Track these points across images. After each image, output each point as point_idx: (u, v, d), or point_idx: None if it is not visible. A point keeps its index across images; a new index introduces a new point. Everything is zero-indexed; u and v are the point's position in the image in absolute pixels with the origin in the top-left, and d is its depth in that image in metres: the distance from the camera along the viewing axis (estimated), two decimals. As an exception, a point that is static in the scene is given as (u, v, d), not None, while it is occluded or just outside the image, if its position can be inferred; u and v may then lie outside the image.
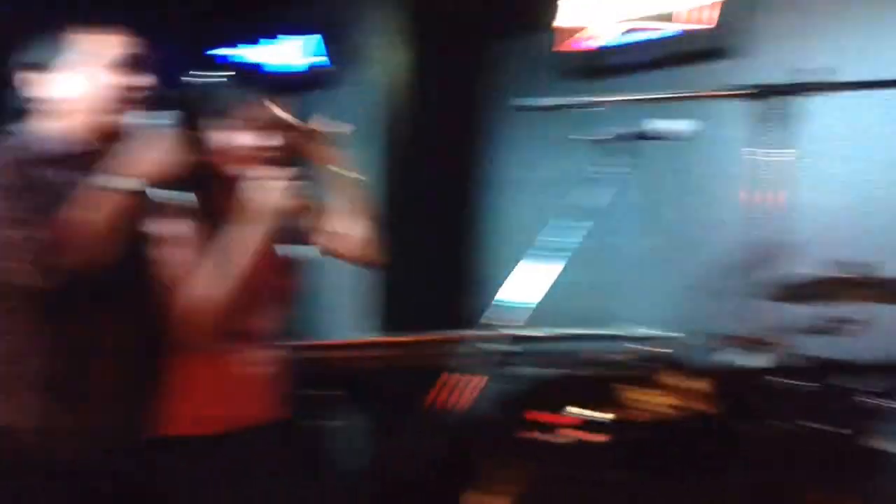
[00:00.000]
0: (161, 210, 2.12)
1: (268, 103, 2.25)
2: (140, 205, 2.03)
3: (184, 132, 2.09)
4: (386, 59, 4.14)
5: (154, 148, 2.02)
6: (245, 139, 2.21)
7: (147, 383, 2.16)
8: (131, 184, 1.99)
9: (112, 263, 1.99)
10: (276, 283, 2.28)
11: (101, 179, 1.99)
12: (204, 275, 2.10)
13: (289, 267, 2.31)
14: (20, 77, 2.14)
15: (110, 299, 2.08)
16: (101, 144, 2.10)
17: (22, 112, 2.14)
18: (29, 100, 2.14)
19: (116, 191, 1.98)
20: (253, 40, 4.48)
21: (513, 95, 3.84)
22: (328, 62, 4.30)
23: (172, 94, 2.26)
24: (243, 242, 2.12)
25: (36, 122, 2.13)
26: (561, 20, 3.81)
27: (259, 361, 2.28)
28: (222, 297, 2.10)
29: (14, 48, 2.16)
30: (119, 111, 2.11)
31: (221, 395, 2.19)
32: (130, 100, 2.13)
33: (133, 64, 2.14)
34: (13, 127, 2.13)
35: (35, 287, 1.95)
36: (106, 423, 2.09)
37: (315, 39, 4.35)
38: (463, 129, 4.13)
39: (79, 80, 2.12)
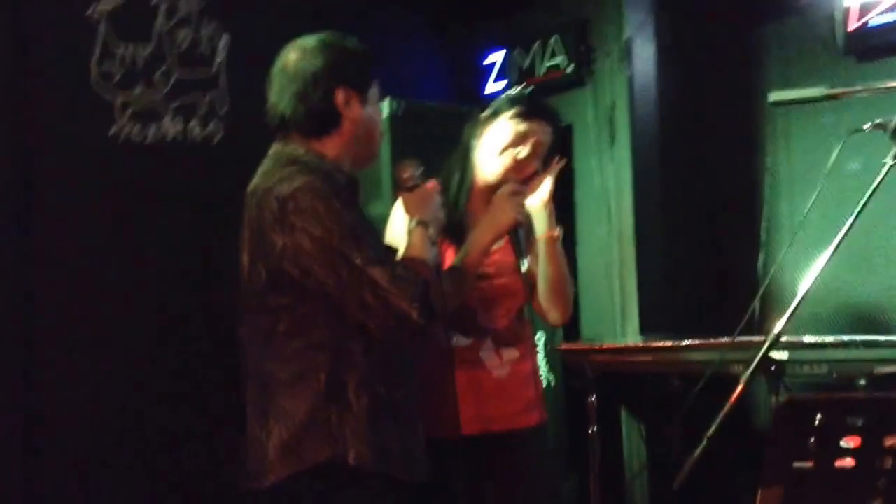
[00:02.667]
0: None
1: (527, 116, 2.39)
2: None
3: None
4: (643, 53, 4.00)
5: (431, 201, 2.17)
6: (516, 153, 2.37)
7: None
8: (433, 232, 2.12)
9: None
10: (510, 285, 2.38)
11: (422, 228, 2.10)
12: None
13: (520, 271, 2.39)
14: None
15: None
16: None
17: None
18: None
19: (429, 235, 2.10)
20: (498, 46, 4.49)
21: (788, 84, 3.62)
22: (568, 63, 4.21)
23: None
24: (484, 246, 2.22)
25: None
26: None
27: (512, 364, 2.36)
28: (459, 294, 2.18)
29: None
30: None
31: (476, 397, 2.26)
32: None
33: None
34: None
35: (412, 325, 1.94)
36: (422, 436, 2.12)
37: (555, 39, 4.26)
38: (727, 124, 3.91)
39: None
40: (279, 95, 2.09)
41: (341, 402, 1.96)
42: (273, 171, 2.05)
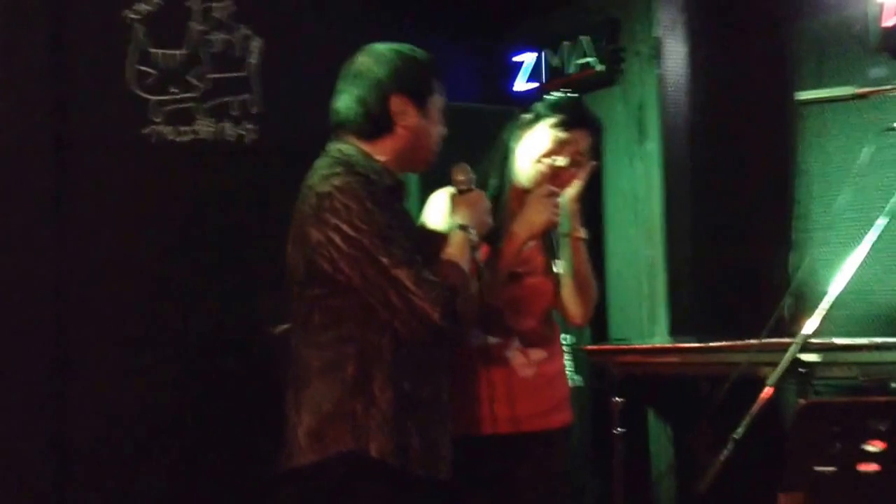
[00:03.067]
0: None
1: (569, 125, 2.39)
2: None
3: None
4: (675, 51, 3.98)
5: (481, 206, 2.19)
6: (554, 161, 2.37)
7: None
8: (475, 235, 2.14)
9: None
10: (540, 286, 2.39)
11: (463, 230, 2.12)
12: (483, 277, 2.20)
13: (550, 273, 2.39)
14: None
15: None
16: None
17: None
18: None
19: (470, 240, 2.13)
20: (528, 46, 4.48)
21: (821, 82, 3.59)
22: (600, 62, 4.19)
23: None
24: (518, 246, 2.24)
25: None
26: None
27: (539, 365, 2.36)
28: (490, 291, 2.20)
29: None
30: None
31: (503, 397, 2.27)
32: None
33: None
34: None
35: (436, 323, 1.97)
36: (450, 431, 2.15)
37: (586, 40, 4.25)
38: (758, 123, 3.88)
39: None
40: (341, 95, 2.17)
41: (366, 396, 2.02)
42: (321, 168, 2.13)
